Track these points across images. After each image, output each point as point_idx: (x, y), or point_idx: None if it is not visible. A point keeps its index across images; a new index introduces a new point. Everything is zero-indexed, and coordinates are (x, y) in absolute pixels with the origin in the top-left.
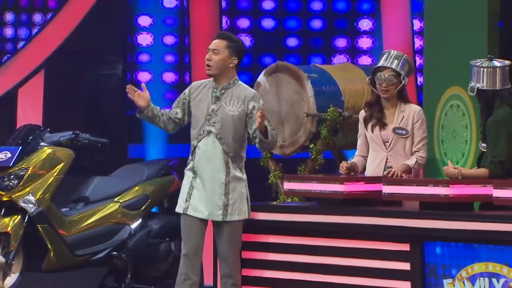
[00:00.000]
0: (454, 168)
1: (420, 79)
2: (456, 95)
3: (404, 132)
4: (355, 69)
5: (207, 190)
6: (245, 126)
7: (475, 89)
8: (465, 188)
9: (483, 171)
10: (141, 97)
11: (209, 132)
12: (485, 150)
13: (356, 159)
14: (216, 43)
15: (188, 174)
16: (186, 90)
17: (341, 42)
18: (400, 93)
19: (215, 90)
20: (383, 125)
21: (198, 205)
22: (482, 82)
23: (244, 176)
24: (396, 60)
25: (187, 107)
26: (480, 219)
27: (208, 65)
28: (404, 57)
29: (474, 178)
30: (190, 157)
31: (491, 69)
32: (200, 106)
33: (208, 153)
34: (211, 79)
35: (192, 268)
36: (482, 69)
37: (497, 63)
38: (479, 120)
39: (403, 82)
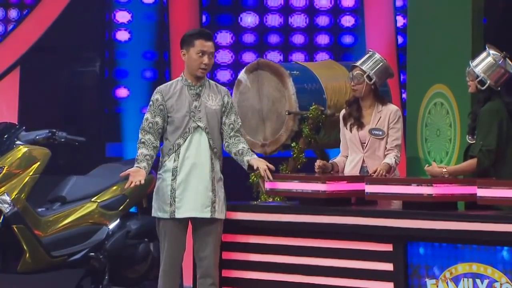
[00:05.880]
0: (439, 167)
1: (403, 77)
2: (440, 93)
3: (380, 133)
4: (337, 67)
5: (195, 187)
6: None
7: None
8: (449, 188)
9: (470, 162)
10: (137, 176)
11: (196, 127)
12: (472, 142)
13: (338, 159)
14: (212, 46)
15: (165, 177)
16: (158, 97)
17: (323, 39)
18: (375, 93)
19: (192, 87)
20: (360, 126)
21: (185, 205)
22: (492, 80)
23: (222, 176)
24: (370, 62)
25: (165, 113)
26: (464, 219)
27: (205, 69)
28: (382, 62)
29: (461, 174)
30: (166, 158)
31: (503, 70)
32: (180, 105)
33: (195, 149)
34: (177, 79)
35: (178, 270)
36: (499, 68)
37: (509, 67)
38: (464, 118)
39: (369, 82)
